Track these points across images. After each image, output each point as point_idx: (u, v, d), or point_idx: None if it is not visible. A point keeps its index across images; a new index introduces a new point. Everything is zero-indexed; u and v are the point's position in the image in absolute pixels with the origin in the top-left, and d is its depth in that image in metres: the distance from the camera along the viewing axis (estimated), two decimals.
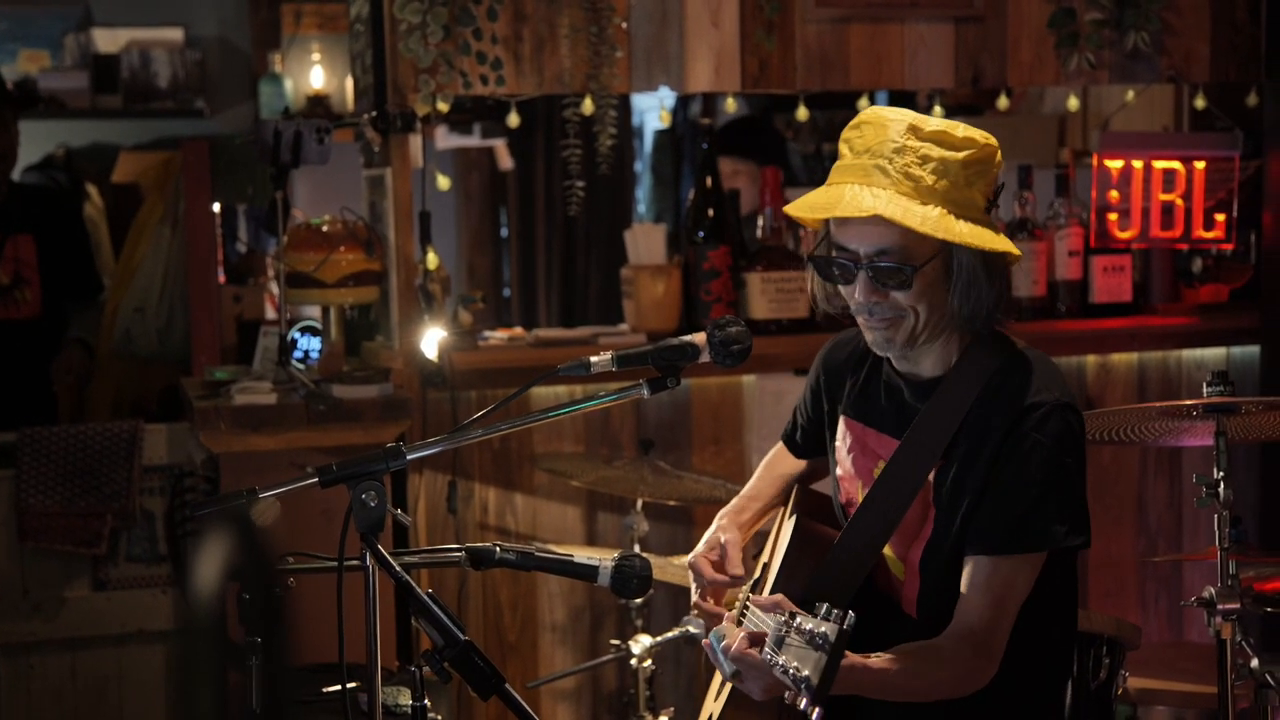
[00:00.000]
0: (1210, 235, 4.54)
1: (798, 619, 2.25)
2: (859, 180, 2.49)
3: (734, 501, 2.93)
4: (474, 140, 6.51)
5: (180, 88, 6.82)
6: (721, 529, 2.82)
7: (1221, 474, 2.91)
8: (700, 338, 2.57)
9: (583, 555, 2.71)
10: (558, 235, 7.17)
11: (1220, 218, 4.53)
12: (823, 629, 2.20)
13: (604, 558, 2.69)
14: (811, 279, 2.67)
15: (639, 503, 4.01)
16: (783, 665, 2.23)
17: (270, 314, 5.59)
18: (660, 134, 7.40)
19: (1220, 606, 2.90)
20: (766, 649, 2.30)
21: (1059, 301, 4.53)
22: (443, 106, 4.05)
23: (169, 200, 5.25)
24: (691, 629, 3.69)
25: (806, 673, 2.19)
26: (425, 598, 2.41)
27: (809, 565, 2.68)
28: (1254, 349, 4.65)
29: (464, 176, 6.73)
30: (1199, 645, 4.37)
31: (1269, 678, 2.99)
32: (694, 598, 2.77)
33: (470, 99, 4.15)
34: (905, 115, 2.52)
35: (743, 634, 2.38)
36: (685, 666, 4.41)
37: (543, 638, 4.31)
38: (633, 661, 3.82)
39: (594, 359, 2.55)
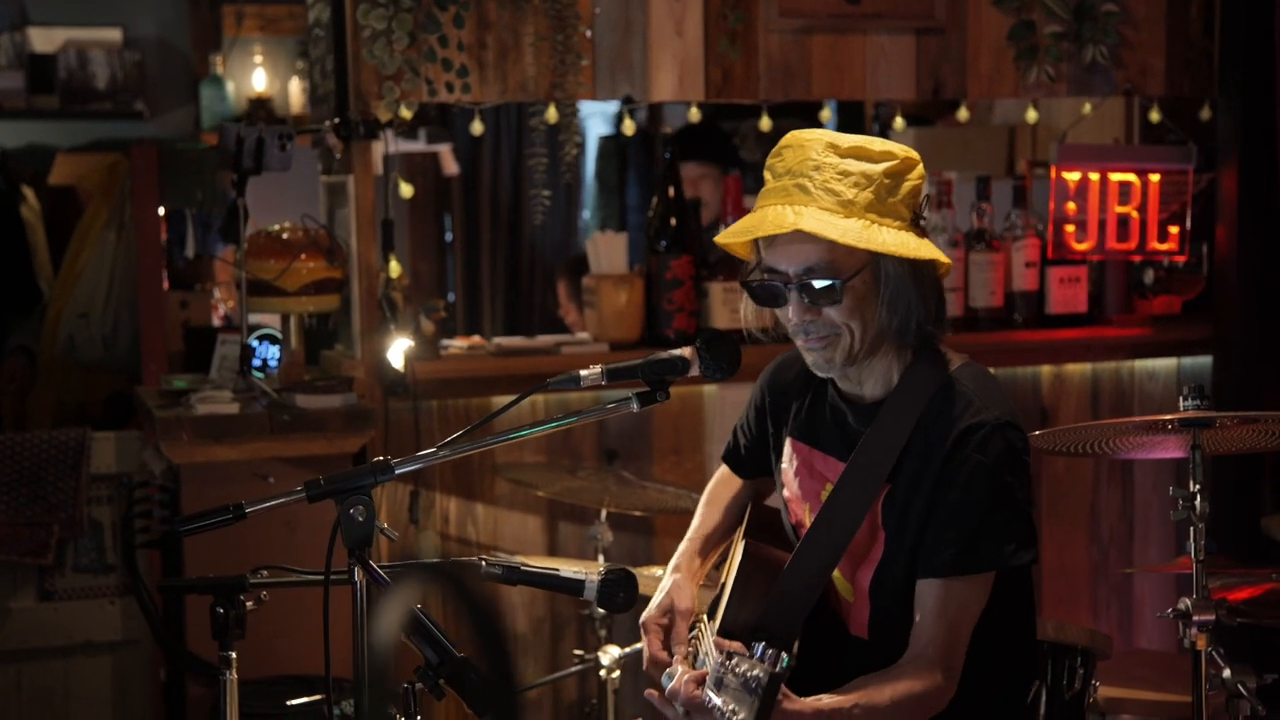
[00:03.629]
0: (1164, 247, 4.60)
1: (735, 659, 2.29)
2: (782, 201, 2.53)
3: (684, 544, 2.91)
4: (419, 145, 6.46)
5: (119, 89, 6.73)
6: (676, 587, 2.78)
7: (1198, 487, 2.93)
8: (689, 351, 2.57)
9: (568, 569, 2.69)
10: (503, 241, 7.15)
11: (1174, 230, 4.59)
12: (755, 671, 2.23)
13: (589, 572, 2.68)
14: (744, 304, 2.69)
15: (603, 513, 3.99)
16: (719, 708, 2.27)
17: (216, 321, 5.53)
18: (605, 140, 7.39)
19: (1196, 618, 2.92)
20: (707, 690, 2.34)
21: (1016, 312, 4.56)
22: (406, 114, 4.02)
23: (114, 205, 5.18)
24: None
25: (742, 715, 2.22)
26: (421, 614, 2.39)
27: (760, 591, 2.68)
28: (1205, 359, 4.70)
29: (408, 182, 6.67)
30: (1154, 653, 4.43)
31: (1241, 687, 3.02)
32: (644, 659, 2.75)
33: (435, 106, 4.10)
34: (823, 134, 2.57)
35: (688, 676, 2.41)
36: (645, 677, 4.38)
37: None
38: (602, 672, 3.81)
39: (584, 372, 2.53)
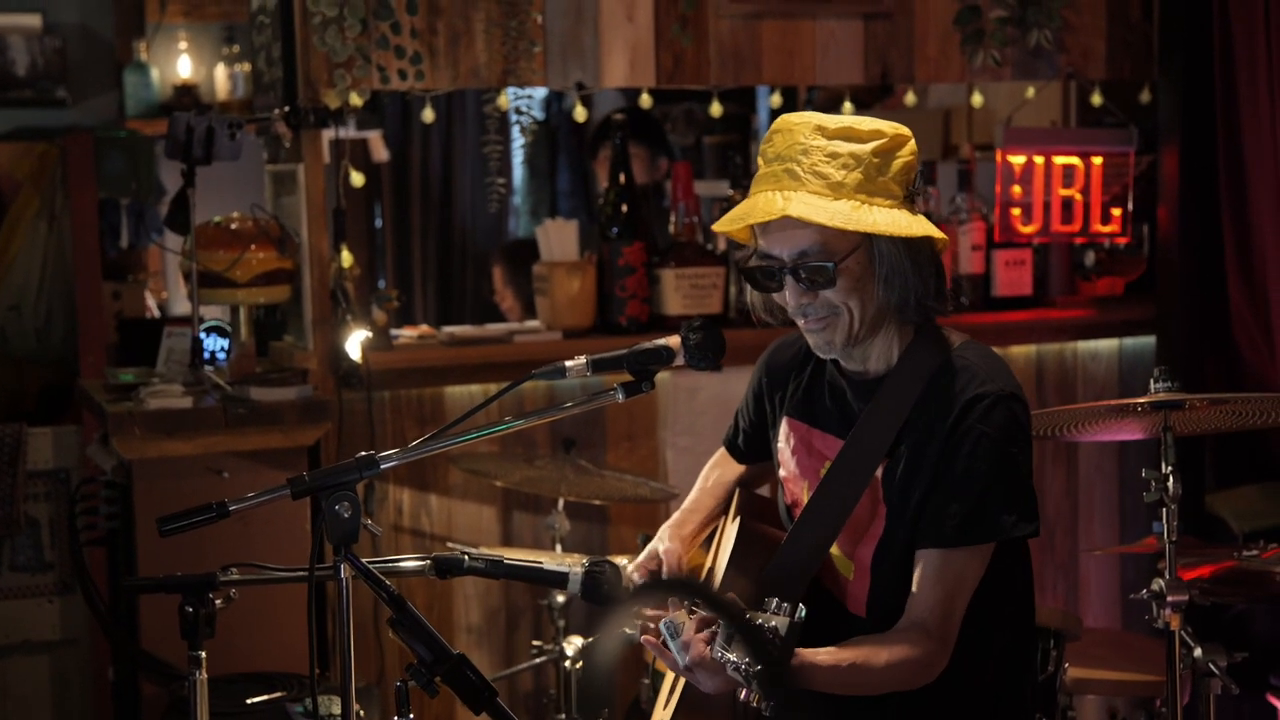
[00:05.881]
0: (1107, 229, 4.64)
1: (748, 615, 2.25)
2: (772, 187, 2.53)
3: (675, 515, 2.91)
4: (349, 131, 6.37)
5: (40, 76, 6.57)
6: (661, 540, 2.81)
7: (1170, 468, 2.96)
8: (675, 340, 2.55)
9: (551, 563, 2.67)
10: (434, 228, 7.09)
11: (1116, 212, 4.64)
12: (773, 623, 2.20)
13: (573, 564, 2.65)
14: (749, 292, 2.68)
15: (560, 502, 3.97)
16: (734, 662, 2.22)
17: (148, 313, 5.44)
18: (535, 125, 7.34)
19: (1170, 598, 2.95)
20: (717, 646, 2.30)
21: (962, 295, 4.59)
22: (357, 101, 3.97)
23: (45, 194, 5.07)
24: (625, 630, 3.67)
25: (759, 668, 2.18)
26: (415, 612, 2.35)
27: (755, 566, 2.67)
28: (1147, 340, 4.76)
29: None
30: (1104, 631, 4.48)
31: (1212, 666, 3.05)
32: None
33: (387, 94, 4.05)
34: (811, 117, 2.57)
35: (694, 630, 2.37)
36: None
37: (459, 639, 4.24)
38: (565, 663, 3.79)
39: (569, 363, 2.51)
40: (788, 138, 2.55)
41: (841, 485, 2.61)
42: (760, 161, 2.58)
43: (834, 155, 2.51)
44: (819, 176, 2.50)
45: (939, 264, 2.60)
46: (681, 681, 2.60)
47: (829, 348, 2.61)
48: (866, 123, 2.54)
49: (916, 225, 2.52)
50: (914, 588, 2.53)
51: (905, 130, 2.56)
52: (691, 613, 2.60)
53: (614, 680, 2.30)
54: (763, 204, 2.51)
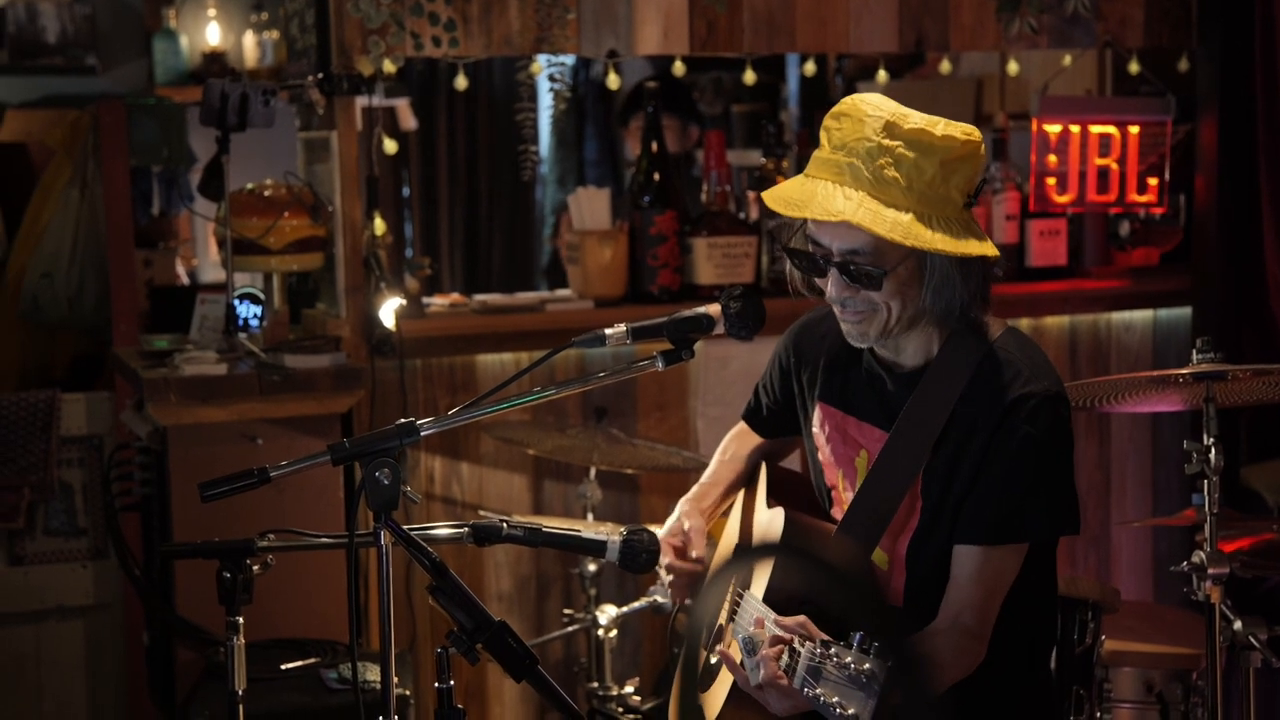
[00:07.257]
0: (1143, 199, 4.61)
1: (833, 650, 2.18)
2: (833, 178, 2.47)
3: (694, 489, 2.90)
4: (376, 99, 6.35)
5: (70, 43, 6.58)
6: (685, 514, 2.80)
7: (1212, 440, 2.94)
8: (715, 309, 2.54)
9: (589, 531, 2.67)
10: (461, 196, 7.08)
11: (1153, 182, 4.60)
12: (866, 665, 2.12)
13: (611, 533, 2.65)
14: (789, 267, 2.65)
15: (592, 471, 3.97)
16: (823, 700, 2.15)
17: (178, 281, 5.44)
18: (568, 93, 7.31)
19: (1211, 571, 2.94)
20: (800, 677, 2.23)
21: (996, 265, 4.55)
22: (390, 68, 3.96)
23: (77, 162, 5.06)
24: (658, 598, 3.67)
25: (853, 711, 2.11)
26: (456, 579, 2.35)
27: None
28: (1182, 311, 4.72)
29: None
30: (1136, 604, 4.45)
31: (1253, 639, 3.04)
32: (662, 575, 2.77)
33: (417, 61, 4.03)
34: (883, 110, 2.47)
35: (769, 649, 2.29)
36: (631, 635, 4.38)
37: (489, 607, 4.20)
38: (599, 631, 3.79)
39: (609, 331, 2.50)
40: (857, 128, 2.46)
41: (885, 484, 2.58)
42: (823, 139, 2.51)
43: (901, 160, 2.43)
44: (883, 181, 2.43)
45: (987, 273, 2.55)
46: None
47: (863, 339, 2.58)
48: (940, 126, 2.45)
49: (973, 246, 2.46)
50: (953, 584, 2.52)
51: (977, 136, 2.48)
52: (732, 616, 2.58)
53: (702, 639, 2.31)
54: (821, 197, 2.45)
